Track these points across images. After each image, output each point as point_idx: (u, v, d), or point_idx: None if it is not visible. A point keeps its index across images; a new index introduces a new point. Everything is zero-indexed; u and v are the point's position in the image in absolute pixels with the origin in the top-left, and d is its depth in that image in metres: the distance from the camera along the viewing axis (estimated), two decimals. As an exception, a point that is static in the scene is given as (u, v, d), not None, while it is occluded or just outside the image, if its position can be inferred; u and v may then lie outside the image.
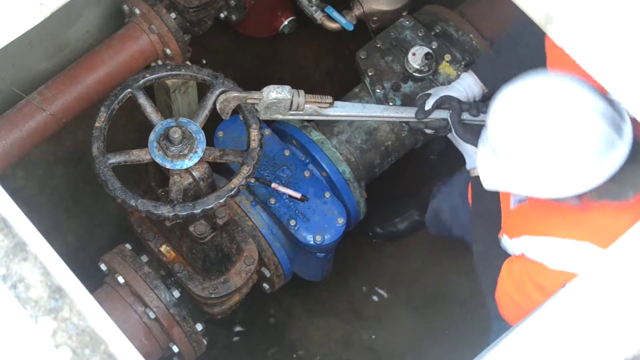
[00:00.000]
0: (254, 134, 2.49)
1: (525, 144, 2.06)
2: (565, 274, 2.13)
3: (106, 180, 2.41)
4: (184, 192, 2.48)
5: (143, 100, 2.51)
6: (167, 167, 2.44)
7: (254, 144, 2.48)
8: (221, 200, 2.42)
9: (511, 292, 2.37)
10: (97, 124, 2.46)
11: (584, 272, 1.67)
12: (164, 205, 2.40)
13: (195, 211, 2.39)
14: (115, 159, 2.44)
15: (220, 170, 2.90)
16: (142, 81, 2.51)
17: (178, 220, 2.45)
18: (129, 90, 2.50)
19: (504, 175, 2.17)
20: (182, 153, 2.44)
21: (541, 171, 2.07)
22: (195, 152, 2.45)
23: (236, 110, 2.59)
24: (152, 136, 2.46)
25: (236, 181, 2.44)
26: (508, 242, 2.41)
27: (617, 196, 2.12)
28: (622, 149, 2.04)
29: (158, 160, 2.44)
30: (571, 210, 2.19)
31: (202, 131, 2.48)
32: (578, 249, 2.17)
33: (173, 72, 2.55)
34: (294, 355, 3.57)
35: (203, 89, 2.89)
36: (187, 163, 2.44)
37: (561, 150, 2.03)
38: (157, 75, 2.54)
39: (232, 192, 2.43)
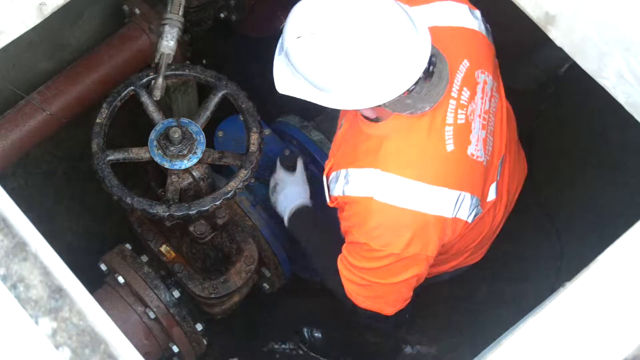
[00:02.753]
0: (254, 137, 2.49)
1: (323, 49, 1.99)
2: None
3: (104, 177, 2.41)
4: (184, 191, 2.48)
5: (145, 99, 2.51)
6: (166, 166, 2.44)
7: (253, 148, 2.48)
8: (217, 203, 2.41)
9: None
10: (98, 120, 2.47)
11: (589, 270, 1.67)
12: (160, 204, 2.40)
13: (190, 212, 2.39)
14: (114, 156, 2.44)
15: (221, 170, 2.90)
16: (145, 79, 2.51)
17: (174, 221, 2.45)
18: (131, 88, 2.50)
19: (296, 83, 2.13)
20: (181, 153, 2.44)
21: (339, 80, 2.02)
22: (195, 153, 2.45)
23: (236, 110, 2.59)
24: (153, 135, 2.46)
25: (233, 184, 2.44)
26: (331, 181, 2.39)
27: (413, 109, 2.12)
28: (421, 62, 2.02)
29: (157, 159, 2.44)
30: (365, 138, 2.23)
31: (202, 132, 2.48)
32: (368, 176, 2.20)
33: (177, 72, 2.55)
34: (294, 355, 3.57)
35: (203, 89, 2.89)
36: (185, 163, 2.44)
37: (360, 57, 1.97)
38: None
39: (229, 195, 2.43)
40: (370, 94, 2.05)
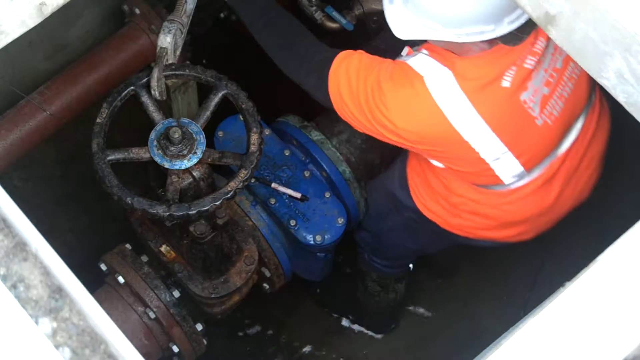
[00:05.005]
0: (254, 137, 2.49)
1: None
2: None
3: (104, 177, 2.41)
4: (184, 191, 2.48)
5: (146, 99, 2.51)
6: (166, 166, 2.43)
7: (253, 148, 2.48)
8: (217, 203, 2.41)
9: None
10: (98, 120, 2.46)
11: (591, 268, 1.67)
12: (160, 204, 2.40)
13: (190, 212, 2.39)
14: (114, 155, 2.44)
15: (221, 170, 2.90)
16: (145, 79, 2.51)
17: (174, 221, 2.45)
18: (132, 87, 2.50)
19: (418, 26, 2.25)
20: (181, 153, 2.43)
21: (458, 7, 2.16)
22: (195, 153, 2.45)
23: (236, 110, 2.59)
24: (153, 135, 2.46)
25: (233, 184, 2.44)
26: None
27: (515, 41, 2.24)
28: None
29: (157, 159, 2.44)
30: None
31: (202, 132, 2.48)
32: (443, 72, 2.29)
33: (177, 72, 2.55)
34: (294, 355, 3.57)
35: (203, 89, 2.89)
36: (185, 163, 2.44)
37: None
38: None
39: (229, 195, 2.43)
40: (486, 27, 2.19)
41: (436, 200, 2.71)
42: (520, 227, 2.69)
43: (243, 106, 2.53)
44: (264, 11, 2.55)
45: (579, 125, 2.53)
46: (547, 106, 2.39)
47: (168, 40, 2.57)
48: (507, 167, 2.42)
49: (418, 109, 2.32)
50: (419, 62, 2.33)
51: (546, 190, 2.56)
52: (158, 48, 2.58)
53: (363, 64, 2.40)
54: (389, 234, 3.03)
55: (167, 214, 2.39)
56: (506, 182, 2.47)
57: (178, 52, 2.64)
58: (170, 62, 2.59)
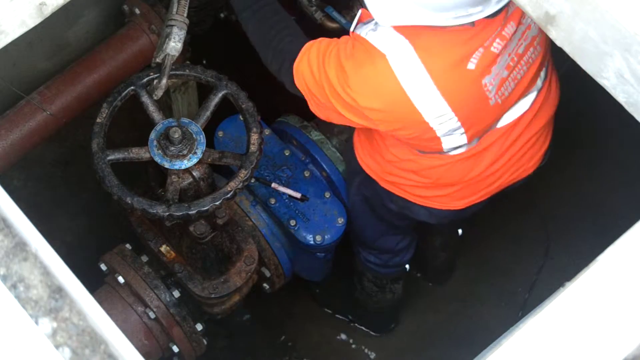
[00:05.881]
0: (254, 137, 2.49)
1: None
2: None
3: (104, 177, 2.41)
4: (184, 191, 2.48)
5: (146, 99, 2.51)
6: (166, 166, 2.43)
7: (253, 148, 2.48)
8: (217, 203, 2.41)
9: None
10: (98, 120, 2.47)
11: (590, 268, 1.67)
12: (160, 204, 2.40)
13: (190, 212, 2.39)
14: (114, 155, 2.44)
15: (221, 170, 2.90)
16: (145, 79, 2.51)
17: (174, 221, 2.45)
18: (132, 87, 2.50)
19: (403, 10, 2.19)
20: (181, 153, 2.44)
21: None
22: (195, 153, 2.45)
23: (236, 110, 2.59)
24: (153, 135, 2.46)
25: (233, 184, 2.44)
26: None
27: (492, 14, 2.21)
28: None
29: (157, 159, 2.44)
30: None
31: (202, 132, 2.48)
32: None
33: (177, 72, 2.55)
34: (294, 355, 3.57)
35: (203, 89, 2.89)
36: (185, 164, 2.44)
37: None
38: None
39: (228, 195, 2.43)
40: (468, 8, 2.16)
41: (373, 157, 2.73)
42: (449, 189, 2.70)
43: (243, 106, 2.53)
44: (254, 1, 2.52)
45: (521, 104, 2.54)
46: (501, 88, 2.40)
47: (178, 48, 2.51)
48: (454, 140, 2.44)
49: (381, 86, 2.29)
50: (381, 38, 2.27)
51: (478, 159, 2.58)
52: (165, 54, 2.50)
53: (321, 51, 2.36)
54: (354, 213, 3.03)
55: (167, 214, 2.39)
56: (445, 150, 2.48)
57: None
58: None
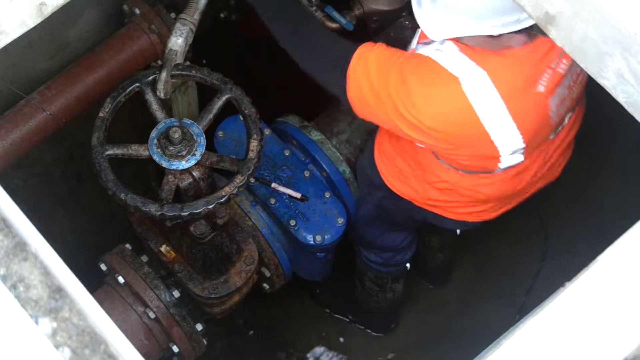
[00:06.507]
0: (254, 144, 2.48)
1: None
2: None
3: (100, 171, 2.40)
4: (184, 191, 2.48)
5: (150, 96, 2.51)
6: (164, 165, 2.43)
7: (251, 155, 2.47)
8: (210, 207, 2.40)
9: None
10: (100, 114, 2.46)
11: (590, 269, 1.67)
12: (153, 203, 2.39)
13: (182, 213, 2.39)
14: (113, 150, 2.44)
15: (221, 170, 2.90)
16: (151, 77, 2.51)
17: (174, 221, 2.44)
18: (137, 84, 2.50)
19: (449, 21, 2.18)
20: (180, 154, 2.43)
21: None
22: (194, 154, 2.44)
23: (236, 110, 2.59)
24: (154, 133, 2.46)
25: (228, 189, 2.43)
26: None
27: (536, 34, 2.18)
28: None
29: (155, 157, 2.44)
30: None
31: (203, 135, 2.47)
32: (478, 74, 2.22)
33: (184, 73, 2.54)
34: (294, 355, 3.57)
35: (203, 90, 2.89)
36: (183, 164, 2.43)
37: None
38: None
39: (222, 200, 2.42)
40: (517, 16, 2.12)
41: (406, 183, 2.71)
42: (489, 204, 2.69)
43: (246, 112, 2.52)
44: (283, 10, 2.49)
45: (565, 120, 2.55)
46: (561, 106, 2.40)
47: (179, 43, 2.56)
48: (513, 159, 2.42)
49: (451, 110, 2.25)
50: (450, 60, 2.23)
51: (523, 175, 2.58)
52: (168, 50, 2.57)
53: (383, 60, 2.30)
54: (362, 216, 3.03)
55: (159, 213, 2.38)
56: (498, 170, 2.47)
57: (186, 51, 2.63)
58: (177, 62, 2.58)
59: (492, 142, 2.31)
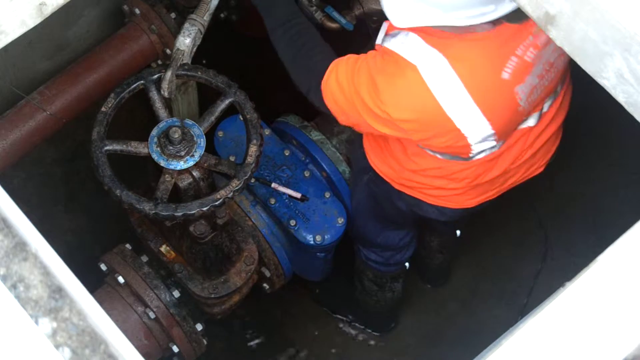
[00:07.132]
0: (252, 149, 2.48)
1: None
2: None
3: (98, 166, 2.40)
4: (184, 191, 2.48)
5: (154, 94, 2.51)
6: (162, 164, 2.43)
7: (249, 160, 2.46)
8: (204, 209, 2.40)
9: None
10: (103, 109, 2.46)
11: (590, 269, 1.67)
12: (148, 201, 2.39)
13: (176, 214, 2.38)
14: (112, 146, 2.44)
15: (220, 170, 2.90)
16: (156, 76, 2.51)
17: (175, 221, 2.44)
18: (142, 82, 2.50)
19: (416, 11, 2.20)
20: (178, 154, 2.43)
21: None
22: (192, 155, 2.44)
23: (236, 110, 2.58)
24: (155, 131, 2.46)
25: (223, 192, 2.43)
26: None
27: (520, 17, 2.18)
28: None
29: (154, 155, 2.43)
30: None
31: (204, 136, 2.47)
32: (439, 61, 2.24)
33: (189, 73, 2.54)
34: (294, 355, 3.57)
35: (203, 90, 2.89)
36: (181, 165, 2.43)
37: None
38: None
39: (217, 203, 2.41)
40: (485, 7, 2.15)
41: (386, 163, 2.72)
42: (462, 188, 2.70)
43: (248, 117, 2.52)
44: (286, 20, 2.53)
45: (545, 108, 2.55)
46: (531, 95, 2.41)
47: (187, 43, 2.57)
48: (484, 146, 2.44)
49: (412, 97, 2.29)
50: (410, 48, 2.28)
51: (499, 161, 2.59)
52: (175, 49, 2.57)
53: (350, 67, 2.37)
54: (358, 210, 3.03)
55: (153, 212, 2.38)
56: (472, 156, 2.49)
57: (193, 52, 2.64)
58: (184, 62, 2.59)
59: (457, 129, 2.33)
